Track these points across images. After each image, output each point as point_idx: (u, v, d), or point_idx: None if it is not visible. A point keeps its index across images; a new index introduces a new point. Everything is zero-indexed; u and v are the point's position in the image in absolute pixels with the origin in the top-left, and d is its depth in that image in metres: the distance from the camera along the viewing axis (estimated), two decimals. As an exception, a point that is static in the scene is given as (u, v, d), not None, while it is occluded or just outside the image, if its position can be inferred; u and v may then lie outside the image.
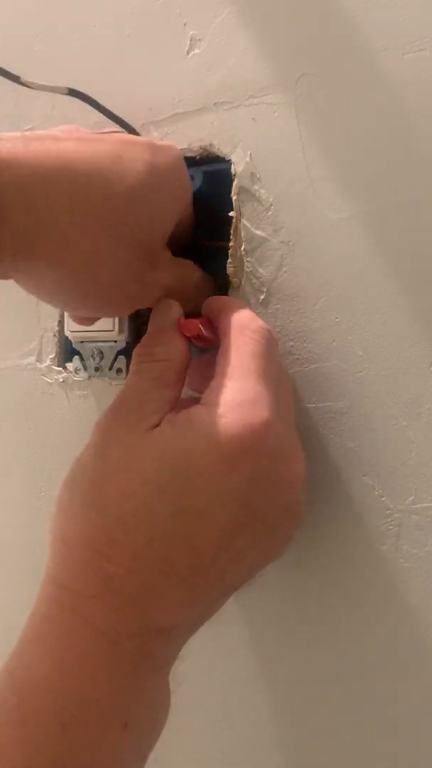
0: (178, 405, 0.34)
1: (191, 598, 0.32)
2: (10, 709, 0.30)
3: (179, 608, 0.32)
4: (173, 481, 0.31)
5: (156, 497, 0.31)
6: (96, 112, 0.39)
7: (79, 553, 0.32)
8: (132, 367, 0.35)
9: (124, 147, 0.35)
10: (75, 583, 0.31)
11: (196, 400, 0.34)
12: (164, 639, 0.32)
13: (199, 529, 0.31)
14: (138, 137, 0.38)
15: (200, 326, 0.36)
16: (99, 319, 0.40)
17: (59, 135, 0.34)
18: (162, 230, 0.36)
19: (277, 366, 0.35)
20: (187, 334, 0.36)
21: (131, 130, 0.41)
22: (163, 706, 0.33)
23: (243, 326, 0.35)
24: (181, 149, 0.42)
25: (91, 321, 0.40)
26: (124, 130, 0.41)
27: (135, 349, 0.36)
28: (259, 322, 0.35)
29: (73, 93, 0.38)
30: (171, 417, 0.33)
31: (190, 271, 0.39)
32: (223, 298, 0.38)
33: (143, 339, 0.36)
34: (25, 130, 0.48)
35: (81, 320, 0.41)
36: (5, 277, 0.33)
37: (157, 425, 0.33)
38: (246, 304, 0.37)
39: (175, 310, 0.36)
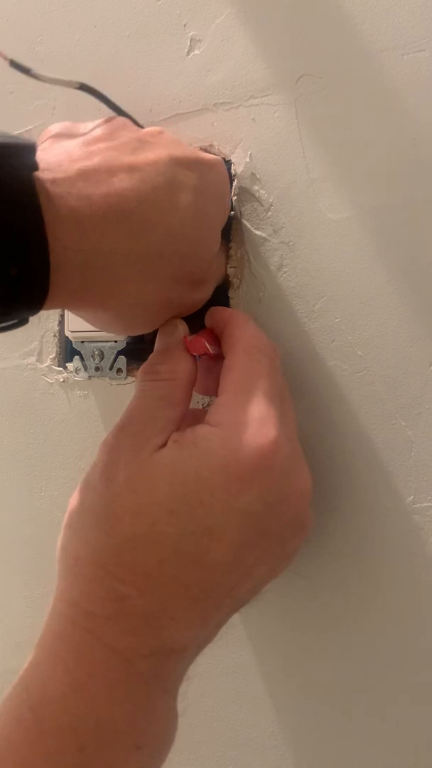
0: (184, 420, 0.34)
1: (202, 618, 0.32)
2: (28, 726, 0.30)
3: (191, 628, 0.32)
4: (182, 503, 0.31)
5: (165, 518, 0.31)
6: (95, 114, 0.39)
7: (91, 572, 0.32)
8: (138, 386, 0.35)
9: (175, 173, 0.34)
10: (88, 603, 0.31)
11: (199, 413, 0.34)
12: (176, 659, 0.32)
13: (209, 550, 0.31)
14: (185, 148, 0.36)
15: (206, 344, 0.36)
16: None
17: (115, 164, 0.32)
18: (209, 251, 0.36)
19: (280, 382, 0.35)
20: (194, 353, 0.36)
21: (138, 126, 0.41)
22: (173, 727, 0.33)
23: (248, 344, 0.35)
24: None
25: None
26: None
27: (141, 368, 0.36)
28: (264, 339, 0.35)
29: (84, 88, 0.37)
30: (177, 436, 0.33)
31: (222, 260, 0.40)
32: (228, 310, 0.38)
33: (150, 358, 0.36)
34: (24, 132, 0.48)
35: None
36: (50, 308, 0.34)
37: (164, 445, 0.33)
38: (250, 317, 0.37)
39: (181, 329, 0.36)
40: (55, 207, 0.29)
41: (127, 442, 0.33)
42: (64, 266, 0.30)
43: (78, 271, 0.31)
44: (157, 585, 0.31)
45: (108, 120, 0.35)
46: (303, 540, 0.35)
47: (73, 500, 0.34)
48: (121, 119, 0.36)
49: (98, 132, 0.34)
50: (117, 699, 0.30)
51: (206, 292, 0.37)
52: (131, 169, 0.32)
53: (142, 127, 0.41)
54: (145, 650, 0.31)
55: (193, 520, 0.31)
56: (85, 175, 0.31)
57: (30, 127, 0.48)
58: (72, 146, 0.33)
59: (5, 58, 0.36)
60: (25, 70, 0.36)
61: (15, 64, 0.36)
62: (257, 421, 0.32)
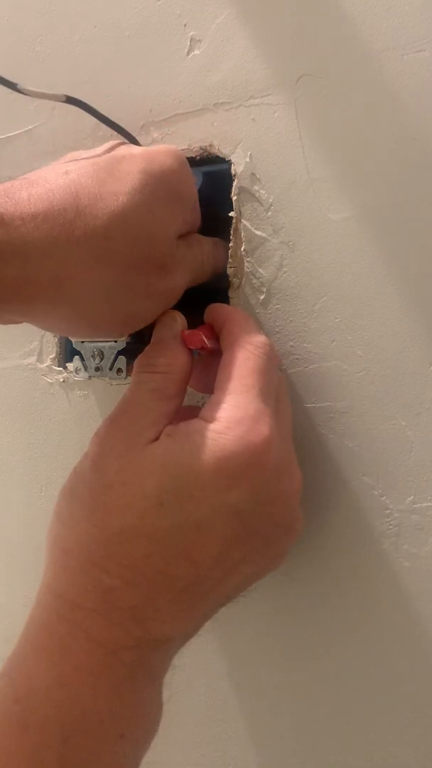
0: (178, 415, 0.34)
1: (188, 610, 0.32)
2: (13, 718, 0.30)
3: (176, 620, 0.32)
4: (172, 496, 0.31)
5: (154, 511, 0.31)
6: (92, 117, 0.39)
7: (78, 564, 0.32)
8: (133, 378, 0.35)
9: (118, 163, 0.35)
10: (74, 595, 0.32)
11: (194, 409, 0.34)
12: (160, 650, 0.32)
13: (197, 544, 0.31)
14: (135, 148, 0.38)
15: (204, 339, 0.36)
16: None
17: (51, 173, 0.34)
18: (167, 236, 0.36)
19: (276, 381, 0.35)
20: (191, 347, 0.36)
21: (128, 135, 0.41)
22: (157, 715, 0.33)
23: (245, 341, 0.35)
24: (181, 149, 0.42)
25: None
26: (121, 135, 0.41)
27: (137, 360, 0.36)
28: (261, 337, 0.35)
29: (70, 101, 0.38)
30: (170, 430, 0.33)
31: (200, 251, 0.39)
32: (227, 307, 0.38)
33: (146, 350, 0.36)
34: (24, 132, 0.48)
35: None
36: (12, 321, 0.34)
37: (156, 438, 0.33)
38: (248, 315, 0.37)
39: (179, 322, 0.36)
40: None
41: (119, 433, 0.33)
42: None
43: (14, 264, 0.31)
44: (143, 577, 0.31)
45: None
46: (292, 542, 0.35)
47: (63, 490, 0.34)
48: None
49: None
50: (102, 690, 0.31)
51: (175, 281, 0.36)
52: (68, 171, 0.34)
53: (131, 135, 0.41)
54: (131, 642, 0.31)
55: (182, 514, 0.31)
56: (22, 181, 0.32)
57: (30, 127, 0.48)
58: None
59: None
60: (11, 85, 0.36)
61: (0, 80, 0.36)
62: (251, 419, 0.32)
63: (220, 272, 0.39)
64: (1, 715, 0.30)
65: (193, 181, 0.39)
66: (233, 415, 0.32)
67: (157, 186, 0.35)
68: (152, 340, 0.36)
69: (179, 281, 0.37)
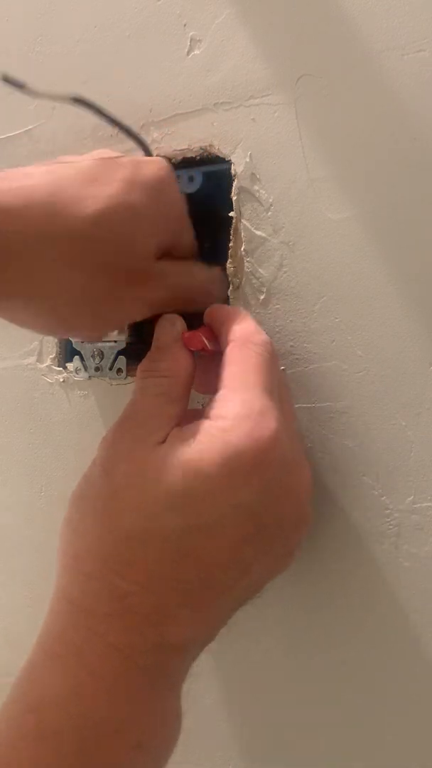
0: (184, 419, 0.34)
1: (203, 613, 0.32)
2: (28, 729, 0.29)
3: (192, 624, 0.32)
4: (182, 497, 0.31)
5: (165, 513, 0.31)
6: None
7: (91, 570, 0.31)
8: (137, 383, 0.35)
9: (103, 169, 0.35)
10: (89, 601, 0.31)
11: (199, 413, 0.34)
12: (178, 655, 0.32)
13: (209, 544, 0.31)
14: (122, 157, 0.37)
15: (204, 340, 0.36)
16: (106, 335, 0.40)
17: (34, 170, 0.34)
18: (146, 246, 0.36)
19: (279, 377, 0.35)
20: (192, 348, 0.36)
21: (136, 137, 0.41)
22: (176, 725, 0.33)
23: (246, 339, 0.35)
24: (180, 150, 0.42)
25: (98, 339, 0.40)
26: (129, 137, 0.41)
27: (140, 366, 0.36)
28: (261, 335, 0.35)
29: (78, 101, 0.37)
30: (177, 432, 0.33)
31: (190, 276, 0.39)
32: (226, 307, 0.38)
33: (148, 355, 0.36)
34: (24, 132, 0.48)
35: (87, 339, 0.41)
36: None
37: (164, 441, 0.33)
38: (248, 314, 0.37)
39: (179, 324, 0.36)
40: None
41: (126, 438, 0.33)
42: None
43: None
44: (157, 581, 0.31)
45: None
46: (302, 539, 0.35)
47: (73, 497, 0.34)
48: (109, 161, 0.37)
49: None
50: (117, 698, 0.30)
51: (148, 293, 0.36)
52: (49, 170, 0.34)
53: (138, 137, 0.41)
54: (147, 647, 0.31)
55: (193, 515, 0.31)
56: (2, 174, 0.33)
57: (30, 126, 0.48)
58: None
59: None
60: (18, 86, 0.36)
61: (9, 80, 0.36)
62: (257, 414, 0.32)
63: (213, 303, 0.39)
64: (15, 726, 0.30)
65: (178, 194, 0.38)
66: (239, 412, 0.32)
67: (140, 194, 0.35)
68: (153, 344, 0.36)
69: (151, 295, 0.36)
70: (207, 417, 0.33)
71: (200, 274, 0.40)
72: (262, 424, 0.31)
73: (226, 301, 0.41)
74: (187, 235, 0.39)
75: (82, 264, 0.33)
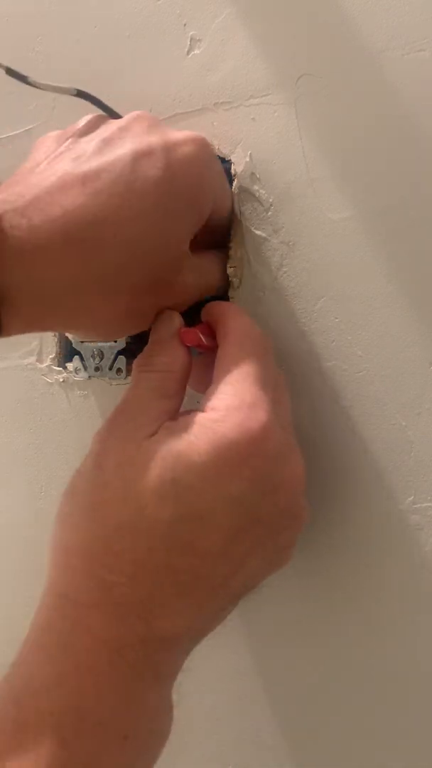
0: (178, 415, 0.34)
1: (194, 607, 0.32)
2: (10, 721, 0.29)
3: (182, 617, 0.32)
4: (172, 488, 0.31)
5: (155, 504, 0.31)
6: (94, 113, 0.39)
7: (79, 562, 0.31)
8: (132, 377, 0.35)
9: (136, 167, 0.33)
10: (76, 593, 0.31)
11: (194, 412, 0.34)
12: (168, 649, 0.32)
13: (200, 536, 0.31)
14: (152, 134, 0.35)
15: (200, 335, 0.36)
16: None
17: (64, 185, 0.32)
18: (180, 239, 0.35)
19: (273, 371, 0.35)
20: (188, 344, 0.36)
21: None
22: (166, 718, 0.33)
23: (241, 333, 0.35)
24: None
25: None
26: None
27: (136, 360, 0.36)
28: (257, 330, 0.35)
29: (81, 94, 0.37)
30: (169, 424, 0.33)
31: (214, 266, 0.39)
32: (223, 303, 0.38)
33: (144, 349, 0.36)
34: (24, 132, 0.48)
35: None
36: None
37: (155, 434, 0.33)
38: (245, 310, 0.37)
39: (176, 320, 0.36)
40: (1, 241, 0.30)
41: (118, 432, 0.33)
42: (14, 301, 0.31)
43: (30, 304, 0.31)
44: (146, 572, 0.31)
45: (87, 120, 0.36)
46: (298, 532, 0.35)
47: (66, 491, 0.34)
48: (98, 116, 0.36)
49: (70, 138, 0.35)
50: (103, 689, 0.30)
51: (182, 294, 0.36)
52: (85, 181, 0.32)
53: None
54: (135, 639, 0.31)
55: (183, 506, 0.31)
56: (36, 200, 0.31)
57: (30, 126, 0.48)
58: (41, 162, 0.34)
59: (2, 66, 0.36)
60: (21, 78, 0.36)
61: (12, 72, 0.36)
62: (248, 406, 0.32)
63: (219, 285, 0.40)
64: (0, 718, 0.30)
65: (218, 165, 0.38)
66: (230, 403, 0.32)
67: (173, 200, 0.34)
68: (150, 339, 0.36)
69: (187, 283, 0.36)
70: (198, 409, 0.33)
71: (222, 261, 0.40)
72: (252, 415, 0.31)
73: (226, 291, 0.41)
74: (226, 206, 0.39)
75: (122, 290, 0.34)
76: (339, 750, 0.39)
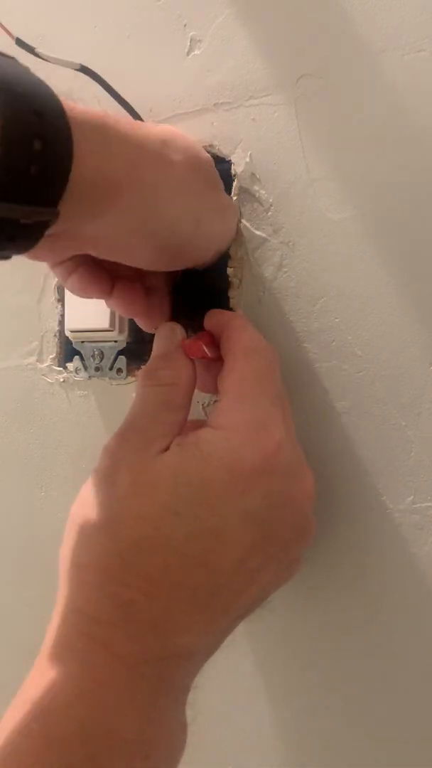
0: (186, 427, 0.34)
1: (208, 623, 0.32)
2: (35, 737, 0.29)
3: (197, 634, 0.32)
4: (187, 504, 0.31)
5: (170, 521, 0.31)
6: (99, 100, 0.39)
7: (94, 578, 0.31)
8: (138, 390, 0.35)
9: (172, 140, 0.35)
10: (92, 610, 0.31)
11: (202, 422, 0.34)
12: (182, 665, 0.32)
13: (215, 552, 0.31)
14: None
15: (204, 349, 0.36)
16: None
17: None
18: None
19: (280, 385, 0.35)
20: (192, 357, 0.36)
21: (135, 115, 0.41)
22: (182, 735, 0.33)
23: (247, 347, 0.35)
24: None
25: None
26: (129, 113, 0.41)
27: (140, 372, 0.36)
28: (262, 342, 0.35)
29: (84, 70, 0.38)
30: (180, 440, 0.33)
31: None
32: (227, 313, 0.38)
33: (149, 362, 0.36)
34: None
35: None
36: (75, 240, 0.33)
37: (167, 449, 0.33)
38: (248, 320, 0.37)
39: (178, 333, 0.36)
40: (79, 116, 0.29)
41: (129, 446, 0.33)
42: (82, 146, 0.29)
43: (98, 164, 0.30)
44: (162, 589, 0.31)
45: None
46: (307, 545, 0.35)
47: (76, 506, 0.34)
48: None
49: None
50: (124, 706, 0.30)
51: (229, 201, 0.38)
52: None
53: (139, 117, 0.41)
54: (151, 656, 0.31)
55: (197, 522, 0.31)
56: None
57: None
58: None
59: (12, 36, 0.36)
60: (29, 49, 0.37)
61: (21, 43, 0.37)
62: (261, 423, 0.32)
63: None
64: (22, 735, 0.29)
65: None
66: (242, 420, 0.32)
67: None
68: (153, 353, 0.36)
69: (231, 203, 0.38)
70: (211, 426, 0.33)
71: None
72: (266, 433, 0.32)
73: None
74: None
75: (190, 183, 0.35)
76: (339, 750, 0.39)
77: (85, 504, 0.33)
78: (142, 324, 0.40)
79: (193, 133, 0.42)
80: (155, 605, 0.31)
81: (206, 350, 0.36)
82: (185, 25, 0.42)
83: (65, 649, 0.31)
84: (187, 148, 0.36)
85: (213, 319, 0.37)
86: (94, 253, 0.34)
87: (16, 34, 0.46)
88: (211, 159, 0.38)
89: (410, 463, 0.36)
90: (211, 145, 0.41)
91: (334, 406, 0.38)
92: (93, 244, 0.33)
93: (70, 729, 0.29)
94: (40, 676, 0.31)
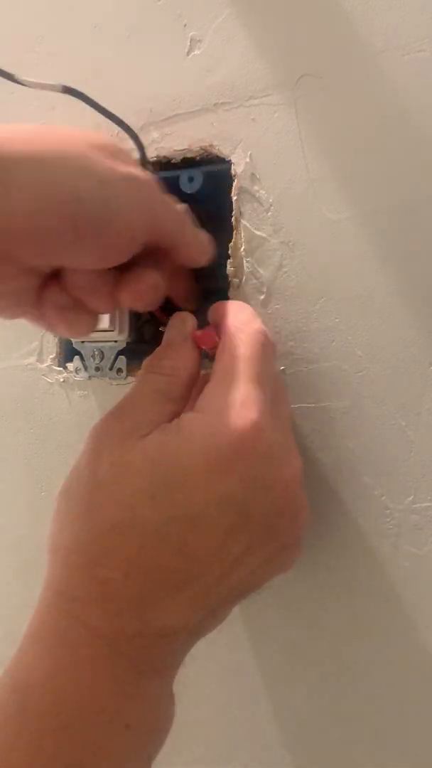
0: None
1: (188, 604, 0.32)
2: (11, 707, 0.30)
3: (176, 614, 0.32)
4: (163, 489, 0.31)
5: (146, 505, 0.31)
6: (95, 112, 0.39)
7: (74, 560, 0.32)
8: (138, 376, 0.35)
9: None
10: (72, 589, 0.32)
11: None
12: (165, 644, 0.32)
13: (192, 536, 0.31)
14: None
15: (217, 339, 0.35)
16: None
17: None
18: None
19: (271, 368, 0.35)
20: (204, 347, 0.35)
21: (127, 129, 0.41)
22: (167, 710, 0.33)
23: (238, 329, 0.35)
24: (180, 150, 0.42)
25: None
26: (120, 128, 0.41)
27: (144, 361, 0.36)
28: (254, 325, 0.35)
29: (68, 91, 0.37)
30: (163, 426, 0.33)
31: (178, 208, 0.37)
32: (227, 302, 0.38)
33: (155, 351, 0.36)
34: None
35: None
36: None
37: (149, 434, 0.33)
38: (247, 305, 0.37)
39: (189, 324, 0.36)
40: None
41: (113, 430, 0.33)
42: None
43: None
44: (139, 569, 0.31)
45: None
46: (299, 532, 0.35)
47: (61, 489, 0.34)
48: None
49: None
50: (101, 680, 0.31)
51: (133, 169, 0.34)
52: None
53: (133, 132, 0.40)
54: (130, 633, 0.31)
55: (174, 507, 0.31)
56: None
57: (30, 127, 0.48)
58: None
59: None
60: (8, 76, 0.36)
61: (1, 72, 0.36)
62: (238, 405, 0.32)
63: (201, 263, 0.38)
64: (0, 706, 0.30)
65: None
66: (221, 403, 0.32)
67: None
68: (162, 342, 0.36)
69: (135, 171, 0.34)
70: (192, 410, 0.33)
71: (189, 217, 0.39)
72: (242, 414, 0.31)
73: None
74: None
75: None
76: (339, 750, 0.39)
77: (70, 486, 0.34)
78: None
79: (193, 133, 0.42)
80: (131, 584, 0.31)
81: (219, 340, 0.35)
82: (185, 25, 0.42)
83: (45, 626, 0.32)
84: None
85: (215, 311, 0.37)
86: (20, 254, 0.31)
87: (14, 33, 0.46)
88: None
89: (410, 463, 0.36)
90: (211, 145, 0.41)
91: (334, 406, 0.38)
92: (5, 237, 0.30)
93: (44, 701, 0.30)
94: (21, 653, 0.32)
